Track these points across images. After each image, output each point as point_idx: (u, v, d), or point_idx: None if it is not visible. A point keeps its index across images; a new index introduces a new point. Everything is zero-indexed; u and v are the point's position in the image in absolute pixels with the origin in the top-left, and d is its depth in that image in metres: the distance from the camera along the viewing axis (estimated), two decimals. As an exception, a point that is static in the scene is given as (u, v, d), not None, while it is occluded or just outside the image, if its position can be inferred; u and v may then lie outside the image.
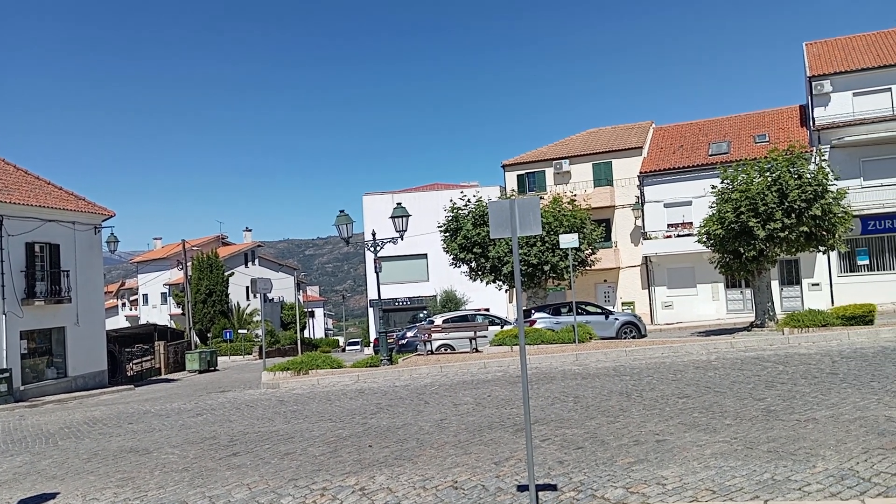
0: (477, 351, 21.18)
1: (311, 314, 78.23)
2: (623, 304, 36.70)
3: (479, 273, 27.69)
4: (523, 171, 39.99)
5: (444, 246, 28.47)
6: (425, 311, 36.91)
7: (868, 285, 30.30)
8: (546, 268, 25.81)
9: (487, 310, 32.91)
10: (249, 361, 46.84)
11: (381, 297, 21.43)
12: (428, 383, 15.63)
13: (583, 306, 24.99)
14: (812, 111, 32.68)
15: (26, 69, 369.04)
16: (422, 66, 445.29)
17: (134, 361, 37.53)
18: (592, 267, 29.87)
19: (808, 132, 33.43)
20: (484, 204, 27.03)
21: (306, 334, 66.52)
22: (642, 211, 36.01)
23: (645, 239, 35.51)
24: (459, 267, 28.51)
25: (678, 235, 34.34)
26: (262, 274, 59.02)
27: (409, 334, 27.46)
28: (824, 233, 21.61)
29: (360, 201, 43.59)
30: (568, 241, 20.03)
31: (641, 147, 37.70)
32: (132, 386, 29.63)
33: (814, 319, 18.17)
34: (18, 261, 25.40)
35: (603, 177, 38.10)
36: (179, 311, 59.07)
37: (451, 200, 29.44)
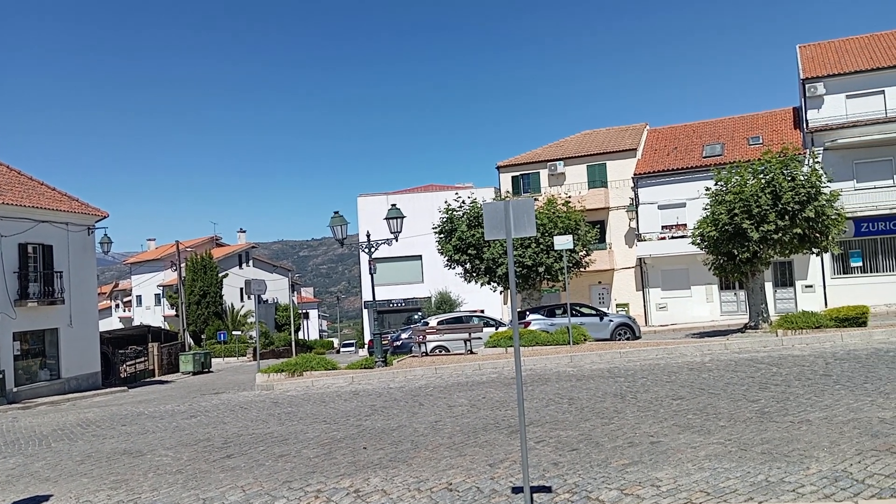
0: (472, 352, 21.17)
1: (306, 315, 78.07)
2: (617, 305, 36.74)
3: (474, 274, 27.69)
4: (518, 173, 40.01)
5: (439, 247, 28.45)
6: (420, 313, 36.90)
7: (861, 287, 30.41)
8: (541, 269, 25.82)
9: (482, 311, 32.92)
10: (243, 363, 46.72)
11: (376, 299, 21.41)
12: (423, 385, 15.62)
13: (577, 308, 25.03)
14: (805, 113, 32.79)
15: (21, 69, 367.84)
16: (417, 68, 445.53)
17: (127, 363, 37.41)
18: (587, 268, 29.90)
19: (801, 134, 33.55)
20: (478, 205, 27.01)
21: (301, 336, 66.38)
22: (636, 212, 36.08)
23: (639, 240, 35.58)
24: (454, 268, 28.50)
25: (672, 237, 34.42)
26: (257, 275, 58.87)
27: (404, 336, 27.44)
28: (818, 235, 21.68)
29: (355, 202, 43.62)
30: (562, 242, 20.03)
31: (636, 149, 37.78)
32: (126, 388, 29.51)
33: (807, 321, 18.23)
34: (11, 262, 25.29)
35: (597, 178, 38.15)
36: (173, 312, 58.94)
37: (445, 202, 29.42)
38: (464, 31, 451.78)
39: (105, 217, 30.05)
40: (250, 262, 69.83)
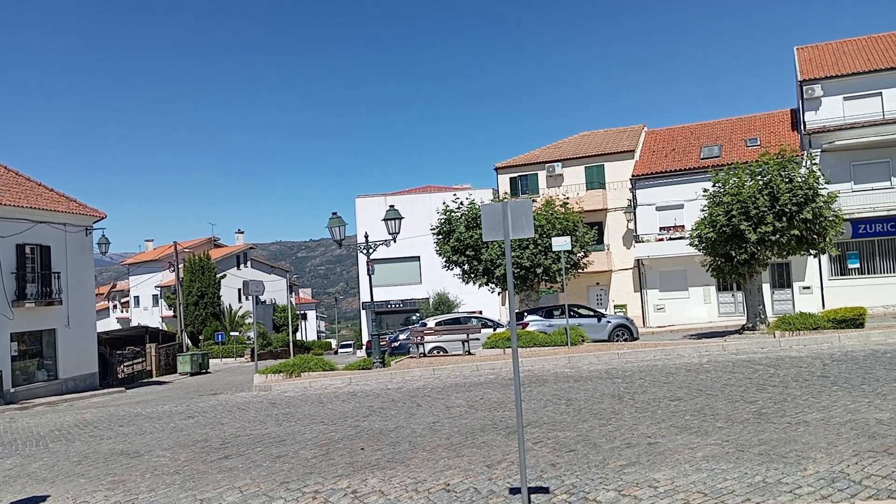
0: (469, 353, 21.16)
1: (304, 316, 78.06)
2: (615, 306, 36.78)
3: (472, 276, 27.70)
4: (516, 174, 40.06)
5: (437, 248, 28.46)
6: (418, 314, 36.92)
7: (859, 289, 30.47)
8: (538, 270, 25.83)
9: (480, 312, 32.96)
10: (241, 364, 46.68)
11: (374, 300, 21.40)
12: (420, 386, 15.61)
13: (575, 309, 25.03)
14: (803, 115, 32.85)
15: (18, 69, 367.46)
16: (415, 69, 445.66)
17: (125, 364, 37.35)
18: (585, 270, 29.93)
19: (799, 136, 33.61)
20: (477, 207, 27.03)
21: (298, 337, 66.38)
22: (634, 214, 36.11)
23: (637, 242, 35.62)
24: (452, 269, 28.51)
25: (670, 238, 34.46)
26: (255, 276, 58.86)
27: (402, 337, 27.45)
28: (815, 236, 21.72)
29: (353, 203, 43.60)
30: (560, 243, 20.05)
31: (633, 150, 37.83)
32: (123, 388, 29.48)
33: (805, 322, 18.26)
34: (9, 262, 25.27)
35: (595, 180, 38.20)
36: (171, 313, 58.86)
37: (443, 203, 29.44)
38: (462, 32, 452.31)
39: (103, 218, 30.03)
40: (248, 263, 69.81)
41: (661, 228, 35.29)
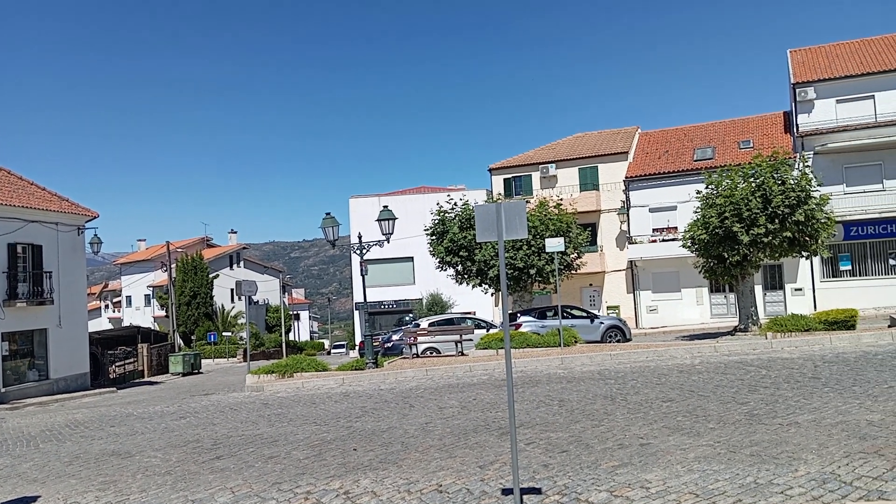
0: (462, 354, 21.17)
1: (297, 317, 77.92)
2: (608, 308, 36.84)
3: (466, 276, 27.69)
4: (510, 175, 40.08)
5: (431, 249, 28.45)
6: (411, 315, 36.85)
7: (850, 290, 30.59)
8: (532, 271, 25.85)
9: (473, 313, 32.94)
10: (234, 364, 46.53)
11: (367, 300, 21.36)
12: (413, 387, 15.60)
13: (568, 310, 25.05)
14: (796, 118, 32.97)
15: (14, 69, 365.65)
16: (410, 70, 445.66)
17: (116, 364, 37.21)
18: (578, 271, 29.93)
19: (791, 138, 33.75)
20: (470, 207, 27.02)
21: (291, 337, 66.23)
22: (628, 215, 36.17)
23: (630, 243, 35.68)
24: (446, 270, 28.50)
25: (663, 240, 34.54)
26: (248, 276, 58.66)
27: (395, 337, 27.40)
28: (807, 238, 21.80)
29: (347, 204, 43.57)
30: (554, 244, 20.06)
31: (627, 152, 37.91)
32: (115, 388, 29.35)
33: (797, 324, 18.33)
34: (0, 262, 25.14)
35: (589, 181, 38.26)
36: (163, 313, 58.63)
37: (437, 204, 29.42)
38: (457, 34, 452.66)
39: (95, 217, 29.91)
40: (241, 263, 69.63)
41: (654, 230, 35.36)
